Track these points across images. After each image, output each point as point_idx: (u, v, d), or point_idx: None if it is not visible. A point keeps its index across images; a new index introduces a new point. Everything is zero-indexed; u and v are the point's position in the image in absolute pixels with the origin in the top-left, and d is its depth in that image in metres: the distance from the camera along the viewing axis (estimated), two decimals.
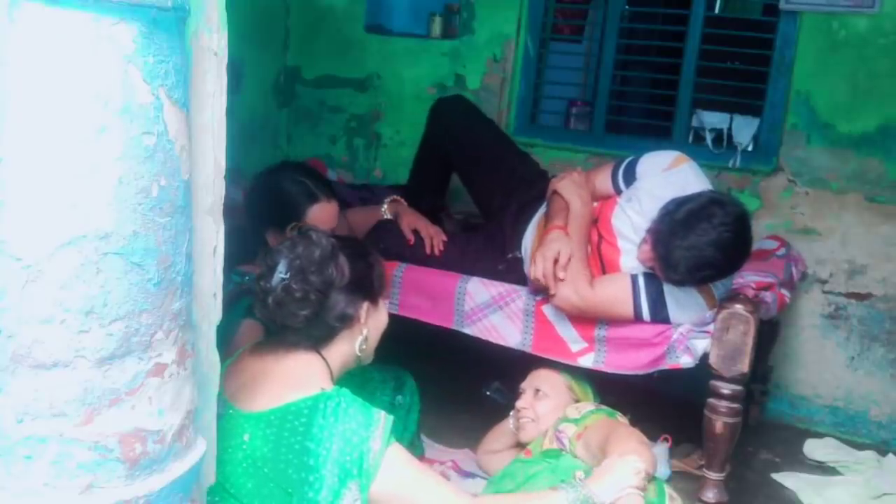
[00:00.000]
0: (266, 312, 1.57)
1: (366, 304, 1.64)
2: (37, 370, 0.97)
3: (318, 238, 1.58)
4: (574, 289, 2.16)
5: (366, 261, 1.66)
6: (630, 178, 2.36)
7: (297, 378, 1.55)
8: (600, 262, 2.29)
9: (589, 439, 1.92)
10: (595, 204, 2.40)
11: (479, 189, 2.78)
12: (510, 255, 2.50)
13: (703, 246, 1.99)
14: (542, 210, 2.47)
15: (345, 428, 1.43)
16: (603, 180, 2.42)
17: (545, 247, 2.20)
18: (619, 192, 2.39)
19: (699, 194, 2.11)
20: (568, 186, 2.34)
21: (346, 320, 1.61)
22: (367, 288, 1.65)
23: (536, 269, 2.18)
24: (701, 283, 2.12)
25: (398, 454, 1.48)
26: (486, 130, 2.81)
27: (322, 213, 2.19)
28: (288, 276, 1.53)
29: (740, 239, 2.04)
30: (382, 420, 1.46)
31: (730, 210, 2.04)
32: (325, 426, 1.44)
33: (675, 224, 2.04)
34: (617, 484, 1.62)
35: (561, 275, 2.15)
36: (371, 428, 1.44)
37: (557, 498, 1.58)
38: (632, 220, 2.25)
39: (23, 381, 0.97)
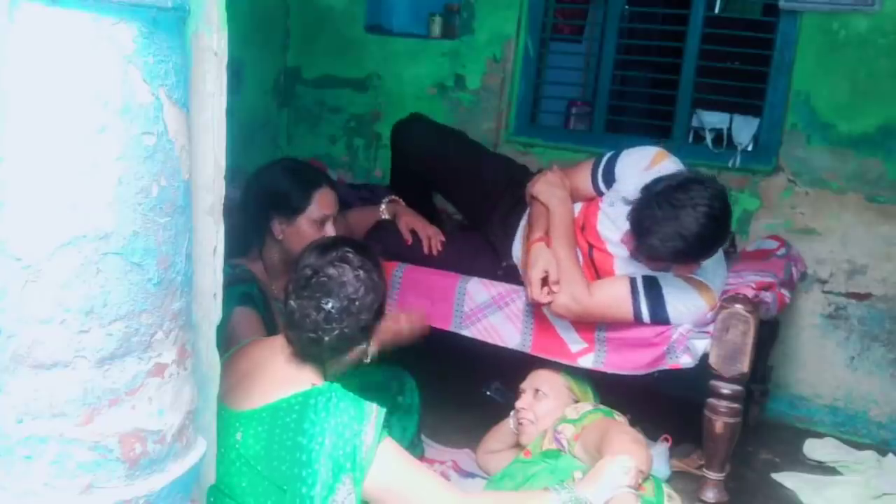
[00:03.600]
0: (297, 340, 1.57)
1: (376, 326, 1.66)
2: (37, 370, 0.96)
3: (368, 281, 1.58)
4: (572, 296, 2.15)
5: (384, 285, 1.66)
6: (610, 179, 2.32)
7: (288, 376, 1.55)
8: (594, 269, 2.28)
9: (586, 440, 1.92)
10: (579, 205, 2.36)
11: (460, 204, 2.75)
12: (505, 264, 2.48)
13: (678, 214, 1.97)
14: (526, 215, 2.43)
15: (337, 422, 1.43)
16: (583, 180, 2.37)
17: (531, 267, 2.18)
18: (599, 193, 2.35)
19: (678, 172, 2.11)
20: (543, 189, 2.31)
21: (356, 344, 1.63)
22: (380, 314, 1.66)
23: (531, 292, 2.17)
24: (675, 258, 2.06)
25: (391, 448, 1.48)
26: (451, 145, 2.66)
27: (327, 198, 2.21)
28: (333, 309, 1.53)
29: (715, 213, 2.00)
30: (374, 413, 1.47)
31: (708, 186, 2.02)
32: (316, 421, 1.44)
33: (651, 195, 2.03)
34: (608, 485, 1.62)
35: (555, 288, 2.15)
36: (363, 421, 1.44)
37: (549, 499, 1.58)
38: (616, 225, 2.22)
39: (23, 381, 0.97)
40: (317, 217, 2.17)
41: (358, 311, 1.55)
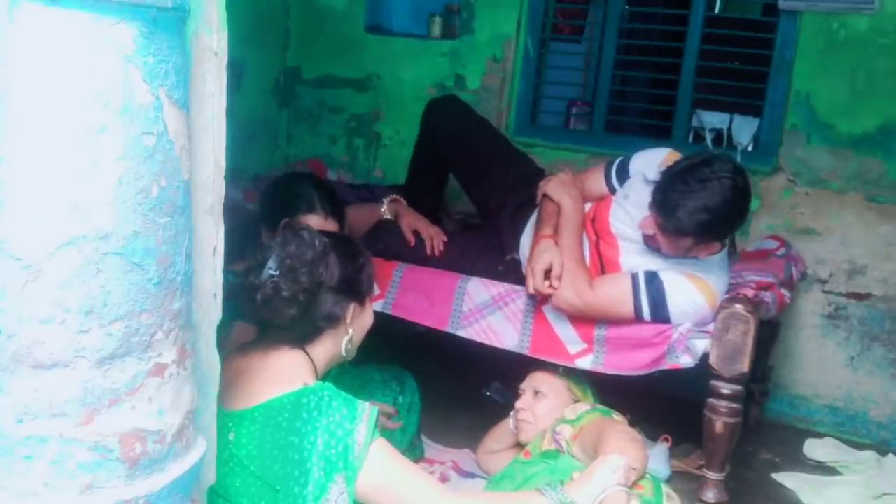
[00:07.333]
0: (252, 308, 1.57)
1: (353, 306, 1.64)
2: (37, 370, 0.96)
3: (310, 238, 1.58)
4: (574, 291, 2.16)
5: (356, 262, 1.66)
6: (624, 175, 2.38)
7: (280, 374, 1.55)
8: (599, 261, 2.29)
9: (584, 440, 1.92)
10: (589, 205, 2.40)
11: (475, 190, 2.77)
12: (509, 257, 2.49)
13: (704, 187, 2.03)
14: (536, 212, 2.47)
15: (329, 421, 1.43)
16: (595, 181, 2.44)
17: (535, 259, 2.21)
18: (613, 191, 2.40)
19: (697, 152, 2.17)
20: (556, 187, 2.35)
21: (333, 320, 1.61)
22: (355, 289, 1.65)
23: (532, 283, 2.20)
24: (701, 232, 2.08)
25: (383, 447, 1.47)
26: (480, 130, 2.77)
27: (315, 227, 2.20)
28: (278, 272, 1.53)
29: (739, 185, 2.06)
30: (367, 412, 1.46)
31: (728, 161, 2.09)
32: (308, 420, 1.43)
33: (674, 173, 2.09)
34: (598, 486, 1.62)
35: (556, 284, 2.17)
36: (355, 420, 1.44)
37: (539, 500, 1.58)
38: (630, 216, 2.26)
39: (23, 381, 0.97)
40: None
41: (297, 268, 1.54)
